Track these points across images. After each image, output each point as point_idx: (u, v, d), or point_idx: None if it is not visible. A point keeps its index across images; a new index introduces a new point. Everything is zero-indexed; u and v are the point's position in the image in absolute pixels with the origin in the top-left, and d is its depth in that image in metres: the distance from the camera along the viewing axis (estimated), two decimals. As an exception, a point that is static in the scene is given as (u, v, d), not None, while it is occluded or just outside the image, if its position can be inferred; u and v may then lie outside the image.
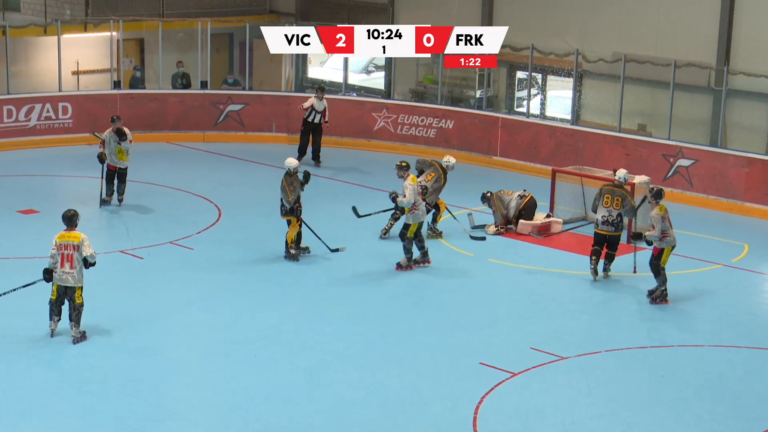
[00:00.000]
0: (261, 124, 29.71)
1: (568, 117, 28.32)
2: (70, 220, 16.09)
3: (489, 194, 22.20)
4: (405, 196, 19.41)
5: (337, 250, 20.30)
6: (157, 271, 19.32)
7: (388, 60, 31.80)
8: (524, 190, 22.42)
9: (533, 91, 29.84)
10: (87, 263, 15.87)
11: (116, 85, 29.87)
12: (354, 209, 20.95)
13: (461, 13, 31.14)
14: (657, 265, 18.43)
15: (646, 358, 16.41)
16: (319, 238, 20.04)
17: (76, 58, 30.89)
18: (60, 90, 28.75)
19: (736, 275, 20.31)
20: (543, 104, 29.91)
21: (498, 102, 30.94)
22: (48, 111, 28.23)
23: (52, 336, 15.96)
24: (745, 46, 26.67)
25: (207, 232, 21.56)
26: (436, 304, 18.34)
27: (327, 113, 27.29)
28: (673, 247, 18.52)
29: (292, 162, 19.82)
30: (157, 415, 14.00)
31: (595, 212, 19.63)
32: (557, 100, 30.17)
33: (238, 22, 32.37)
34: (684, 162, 25.39)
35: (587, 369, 15.88)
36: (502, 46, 29.66)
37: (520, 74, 30.66)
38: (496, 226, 22.01)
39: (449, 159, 21.96)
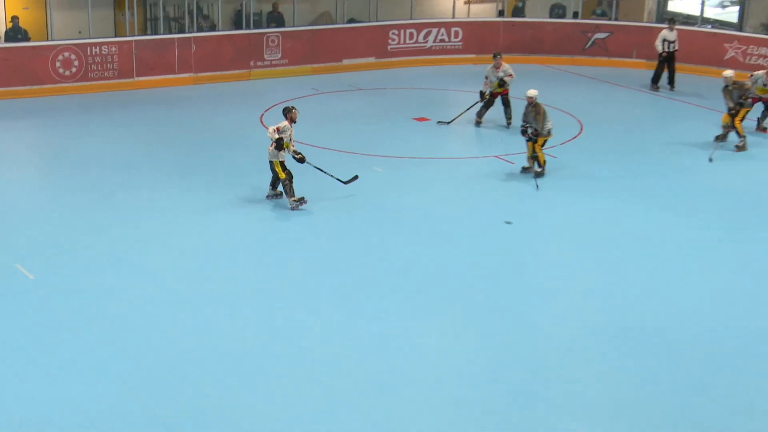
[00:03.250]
0: (624, 51, 29.42)
1: None
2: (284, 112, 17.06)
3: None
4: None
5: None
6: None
7: (744, -4, 30.73)
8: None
9: None
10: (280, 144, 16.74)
11: (501, 14, 30.29)
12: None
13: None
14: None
15: None
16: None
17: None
18: (453, 17, 29.52)
19: None
20: None
21: None
22: (443, 34, 29.03)
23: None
24: None
25: (571, 143, 21.68)
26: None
27: (678, 42, 26.75)
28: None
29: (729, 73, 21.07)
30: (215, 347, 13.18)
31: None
32: None
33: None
34: None
35: None
36: None
37: None
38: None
39: None
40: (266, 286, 14.41)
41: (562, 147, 21.16)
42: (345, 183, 18.01)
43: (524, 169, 19.20)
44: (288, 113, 17.04)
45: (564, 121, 23.14)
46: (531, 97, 18.94)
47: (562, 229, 16.86)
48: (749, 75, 22.29)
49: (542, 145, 19.07)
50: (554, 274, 15.08)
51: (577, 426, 11.23)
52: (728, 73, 21.53)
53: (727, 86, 21.31)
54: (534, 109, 18.87)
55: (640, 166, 20.33)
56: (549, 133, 18.91)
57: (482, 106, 22.48)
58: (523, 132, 18.93)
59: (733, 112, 21.23)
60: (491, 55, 22.65)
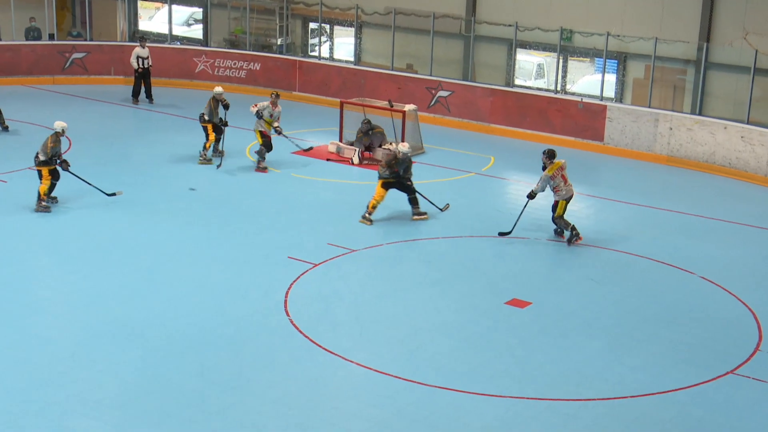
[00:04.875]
0: (101, 68, 28.76)
1: (352, 59, 28.26)
2: None
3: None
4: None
5: (114, 194, 18.28)
6: (20, 191, 18.52)
7: (205, 14, 31.12)
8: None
9: (323, 38, 29.64)
10: None
11: (-25, 38, 28.50)
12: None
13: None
14: (554, 216, 16.91)
15: (418, 248, 16.65)
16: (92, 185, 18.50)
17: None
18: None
19: (485, 181, 20.72)
20: (331, 49, 29.76)
21: (295, 48, 30.64)
22: None
23: None
24: (487, 1, 26.99)
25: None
26: (250, 211, 18.15)
27: (150, 59, 26.54)
28: (567, 200, 16.81)
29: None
30: (18, 311, 13.52)
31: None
32: (343, 46, 30.03)
33: (79, -17, 31.16)
34: (443, 93, 25.69)
35: (373, 258, 16.02)
36: (296, 2, 29.68)
37: (312, 25, 30.40)
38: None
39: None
40: None
41: (50, 162, 20.27)
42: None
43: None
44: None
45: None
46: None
47: (55, 243, 16.31)
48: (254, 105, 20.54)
49: None
50: (52, 285, 14.59)
51: (90, 423, 10.76)
52: (218, 89, 21.15)
53: (214, 97, 20.91)
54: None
55: (128, 174, 19.96)
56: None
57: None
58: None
59: (223, 125, 20.93)
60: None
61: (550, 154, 16.88)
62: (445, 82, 25.78)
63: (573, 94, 25.22)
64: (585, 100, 24.09)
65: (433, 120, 25.19)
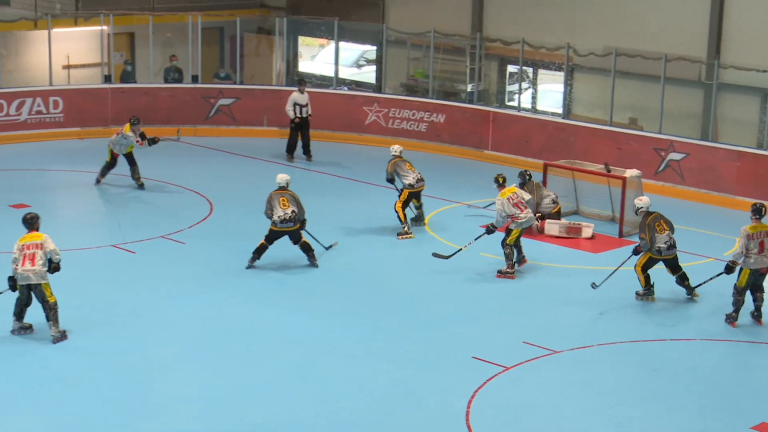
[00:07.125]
0: (252, 118, 29.61)
1: (560, 111, 28.24)
2: (31, 222, 15.99)
3: (528, 175, 21.72)
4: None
5: (330, 246, 20.04)
6: (149, 265, 19.21)
7: (379, 54, 31.71)
8: (556, 196, 22.16)
9: (524, 84, 29.76)
10: (51, 264, 15.74)
11: (107, 79, 29.76)
12: (436, 254, 19.87)
13: (451, 6, 31.10)
14: (736, 284, 17.49)
15: (639, 352, 16.37)
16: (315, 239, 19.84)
17: (67, 52, 30.66)
18: (51, 84, 28.61)
19: (727, 269, 20.26)
20: (534, 98, 29.85)
21: (489, 96, 30.86)
22: (39, 105, 28.11)
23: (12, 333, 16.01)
24: (735, 40, 26.64)
25: (199, 227, 21.44)
26: (426, 298, 18.25)
27: (310, 106, 27.10)
28: (756, 273, 17.27)
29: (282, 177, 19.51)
30: (144, 411, 13.90)
31: (653, 244, 18.05)
32: (548, 94, 30.09)
33: (229, 17, 32.19)
34: (675, 156, 25.35)
35: (580, 363, 15.84)
36: (493, 40, 29.96)
37: (511, 68, 30.57)
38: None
39: None
40: None
41: (189, 231, 21.15)
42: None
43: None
44: None
45: (191, 201, 23.01)
46: None
47: (181, 327, 16.84)
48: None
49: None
50: (180, 381, 15.05)
51: None
52: (396, 147, 21.80)
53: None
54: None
55: (278, 250, 20.10)
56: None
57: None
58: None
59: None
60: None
61: (758, 211, 17.41)
62: (679, 142, 25.44)
63: None
64: None
65: (661, 189, 24.86)
